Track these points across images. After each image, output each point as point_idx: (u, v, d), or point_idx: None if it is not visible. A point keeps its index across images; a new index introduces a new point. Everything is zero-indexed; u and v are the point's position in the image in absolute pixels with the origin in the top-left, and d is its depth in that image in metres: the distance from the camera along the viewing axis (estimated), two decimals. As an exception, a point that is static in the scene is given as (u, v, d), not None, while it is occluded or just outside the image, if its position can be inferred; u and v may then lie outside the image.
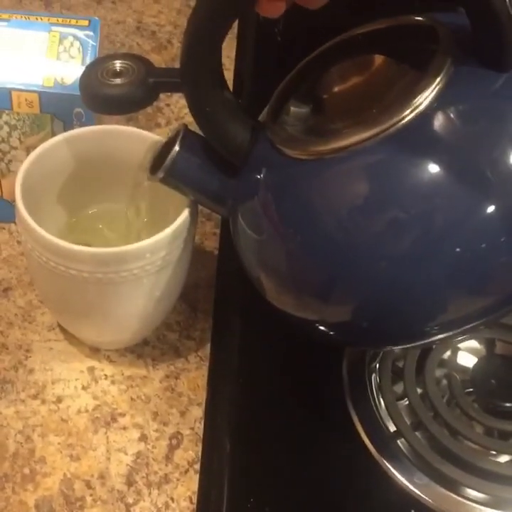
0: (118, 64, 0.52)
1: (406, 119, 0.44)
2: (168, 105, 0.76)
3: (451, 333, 0.48)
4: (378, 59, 0.51)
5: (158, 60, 0.80)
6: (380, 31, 0.52)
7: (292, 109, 0.52)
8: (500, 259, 0.44)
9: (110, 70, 0.51)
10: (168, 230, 0.52)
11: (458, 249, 0.44)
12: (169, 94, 0.77)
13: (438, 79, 0.44)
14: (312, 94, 0.53)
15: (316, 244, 0.47)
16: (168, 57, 0.81)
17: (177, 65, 0.81)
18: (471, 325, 0.47)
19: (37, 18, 0.61)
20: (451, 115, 0.44)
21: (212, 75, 0.49)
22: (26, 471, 0.53)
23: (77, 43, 0.59)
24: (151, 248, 0.51)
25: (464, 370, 0.59)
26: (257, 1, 0.45)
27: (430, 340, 0.49)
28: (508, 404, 0.57)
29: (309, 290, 0.49)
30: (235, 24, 0.83)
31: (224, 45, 0.82)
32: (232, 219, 0.52)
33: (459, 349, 0.60)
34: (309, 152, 0.47)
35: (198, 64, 0.48)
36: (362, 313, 0.48)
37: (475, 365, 0.59)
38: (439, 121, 0.44)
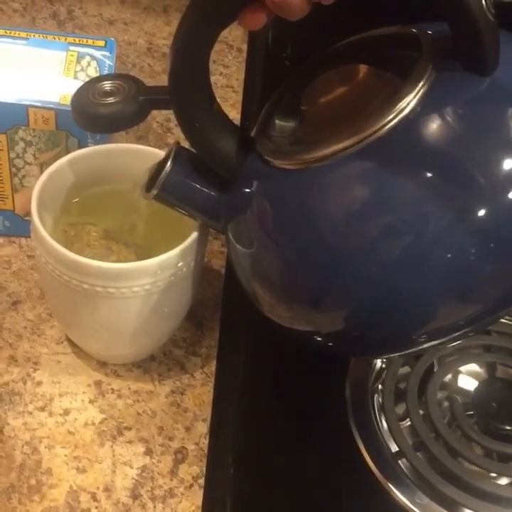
0: (108, 84, 0.53)
1: (389, 125, 0.45)
2: (177, 126, 0.77)
3: (444, 340, 0.49)
4: (362, 69, 0.52)
5: (168, 81, 0.81)
6: (364, 42, 0.53)
7: (278, 122, 0.53)
8: (490, 265, 0.45)
9: (101, 91, 0.52)
10: (180, 247, 0.53)
11: (448, 255, 0.44)
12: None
13: (420, 84, 0.45)
14: (298, 107, 0.53)
15: (307, 252, 0.47)
16: (178, 78, 0.82)
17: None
18: (462, 331, 0.48)
19: (55, 38, 0.62)
20: (434, 120, 0.45)
21: (201, 91, 0.50)
22: (33, 482, 0.54)
23: (94, 63, 0.61)
24: (163, 265, 0.52)
25: (465, 393, 0.59)
26: (239, 15, 0.46)
27: (423, 347, 0.49)
28: (508, 427, 0.57)
29: (303, 299, 0.49)
30: (245, 48, 0.85)
31: (234, 68, 0.84)
32: (226, 234, 0.53)
33: (460, 372, 0.61)
34: (296, 161, 0.48)
35: (185, 80, 0.49)
36: (355, 320, 0.48)
37: (476, 388, 0.60)
38: (422, 126, 0.45)
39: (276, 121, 0.53)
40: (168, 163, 0.52)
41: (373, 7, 0.61)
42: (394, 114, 0.45)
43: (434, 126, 0.45)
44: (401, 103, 0.45)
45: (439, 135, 0.45)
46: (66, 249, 0.52)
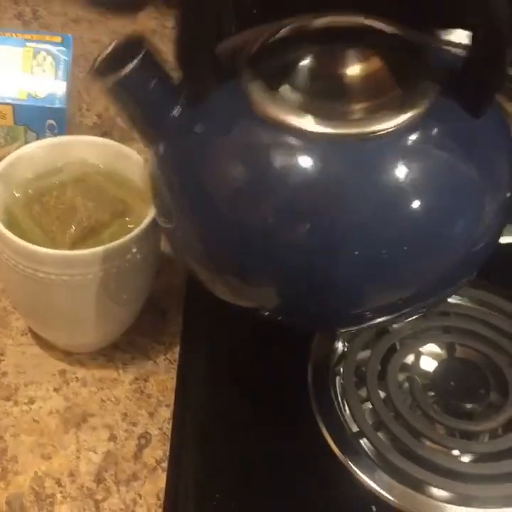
0: None
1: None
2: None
3: (384, 318, 0.50)
4: (369, 54, 0.50)
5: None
6: (377, 29, 0.52)
7: (285, 82, 0.49)
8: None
9: None
10: (133, 234, 0.53)
11: (368, 246, 0.45)
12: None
13: (421, 104, 0.46)
14: (302, 70, 0.50)
15: (228, 218, 0.47)
16: (143, 74, 0.83)
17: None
18: (397, 314, 0.49)
19: (12, 35, 0.63)
20: (421, 141, 0.46)
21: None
22: (-2, 469, 0.55)
23: (49, 58, 0.62)
24: (116, 251, 0.53)
25: (425, 373, 0.60)
26: None
27: (367, 323, 0.51)
28: (467, 405, 0.58)
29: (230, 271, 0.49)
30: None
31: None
32: (157, 159, 0.51)
33: (420, 353, 0.62)
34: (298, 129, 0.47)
35: None
36: (285, 296, 0.49)
37: (435, 368, 0.61)
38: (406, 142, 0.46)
39: (285, 79, 0.49)
40: (137, 59, 0.47)
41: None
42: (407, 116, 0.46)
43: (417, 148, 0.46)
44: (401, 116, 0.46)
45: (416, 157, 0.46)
46: (37, 227, 0.53)
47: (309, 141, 0.46)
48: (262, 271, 0.48)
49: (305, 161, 0.46)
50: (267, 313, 0.52)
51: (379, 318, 0.50)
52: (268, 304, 0.51)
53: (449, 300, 0.64)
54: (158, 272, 0.62)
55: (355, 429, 0.57)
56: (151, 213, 0.54)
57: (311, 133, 0.46)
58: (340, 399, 0.59)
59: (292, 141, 0.46)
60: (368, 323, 0.51)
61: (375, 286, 0.47)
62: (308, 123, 0.46)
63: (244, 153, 0.47)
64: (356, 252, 0.45)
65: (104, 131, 0.77)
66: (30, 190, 0.57)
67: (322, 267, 0.46)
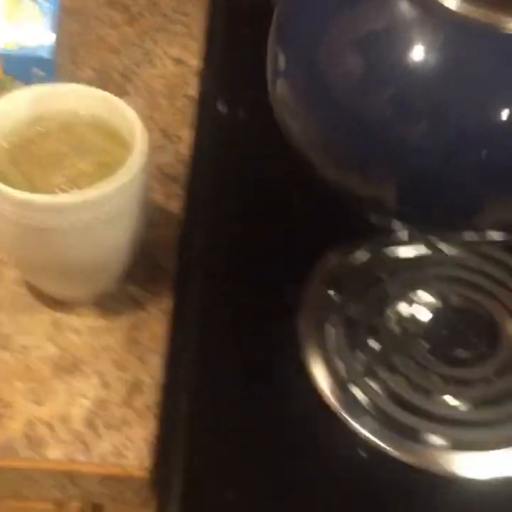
0: None
1: None
2: (136, 74, 0.78)
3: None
4: None
5: (129, 32, 0.82)
6: None
7: None
8: None
9: None
10: (119, 181, 0.53)
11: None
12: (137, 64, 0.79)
13: None
14: None
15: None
16: (139, 29, 0.82)
17: (148, 36, 0.83)
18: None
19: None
20: None
21: None
22: (-9, 414, 0.56)
23: (36, 7, 0.61)
24: (101, 198, 0.53)
25: (418, 322, 0.61)
26: None
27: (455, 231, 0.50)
28: (460, 353, 0.59)
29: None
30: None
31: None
32: (279, 30, 0.48)
33: (413, 302, 0.62)
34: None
35: None
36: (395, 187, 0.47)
37: (429, 317, 0.61)
38: None
39: None
40: None
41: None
42: None
43: None
44: None
45: None
46: (20, 174, 0.53)
47: (452, 25, 0.43)
48: (384, 164, 0.46)
49: (444, 47, 0.43)
50: (378, 210, 0.50)
51: (483, 228, 0.49)
52: (386, 199, 0.49)
53: (444, 249, 0.64)
54: (152, 224, 0.62)
55: (347, 378, 0.57)
56: (137, 161, 0.54)
57: (456, 14, 0.43)
58: (332, 349, 0.59)
59: (434, 21, 0.44)
60: (468, 232, 0.50)
61: (496, 193, 0.45)
62: (453, 2, 0.44)
63: (377, 29, 0.45)
64: (481, 155, 0.43)
65: (98, 85, 0.77)
66: (15, 138, 0.57)
67: (443, 167, 0.44)
